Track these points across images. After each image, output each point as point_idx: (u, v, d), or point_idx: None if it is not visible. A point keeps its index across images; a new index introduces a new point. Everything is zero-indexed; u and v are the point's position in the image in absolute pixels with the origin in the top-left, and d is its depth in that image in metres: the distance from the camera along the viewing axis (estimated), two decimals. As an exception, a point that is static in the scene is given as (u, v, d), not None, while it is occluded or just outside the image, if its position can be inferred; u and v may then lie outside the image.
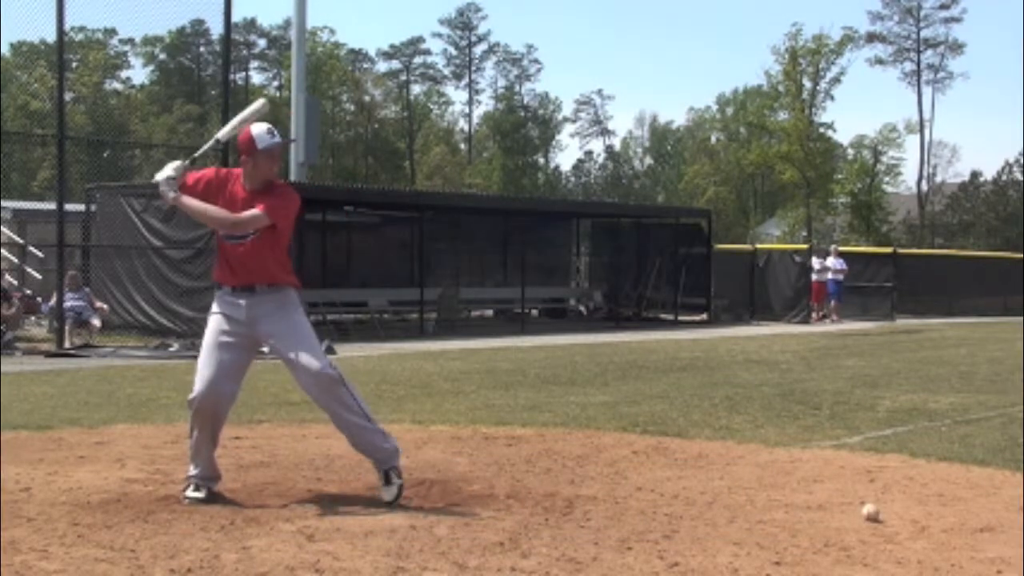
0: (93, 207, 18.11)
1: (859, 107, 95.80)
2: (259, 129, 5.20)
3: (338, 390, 5.15)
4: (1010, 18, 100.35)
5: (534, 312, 25.00)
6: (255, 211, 5.11)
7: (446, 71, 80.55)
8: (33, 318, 18.22)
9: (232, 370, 5.20)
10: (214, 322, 5.26)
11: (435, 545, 4.35)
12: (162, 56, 71.88)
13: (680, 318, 24.16)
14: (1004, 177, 61.20)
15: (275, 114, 65.60)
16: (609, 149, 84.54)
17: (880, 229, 56.55)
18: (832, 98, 57.35)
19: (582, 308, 26.62)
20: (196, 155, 5.67)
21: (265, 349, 5.45)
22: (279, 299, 5.23)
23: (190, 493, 5.12)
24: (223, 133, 5.47)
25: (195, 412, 5.16)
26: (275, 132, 5.24)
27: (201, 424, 5.16)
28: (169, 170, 5.17)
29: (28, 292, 19.13)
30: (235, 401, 5.29)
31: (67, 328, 15.13)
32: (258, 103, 5.47)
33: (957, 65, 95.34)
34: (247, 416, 7.84)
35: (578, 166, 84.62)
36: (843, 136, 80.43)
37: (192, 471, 5.19)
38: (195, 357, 5.38)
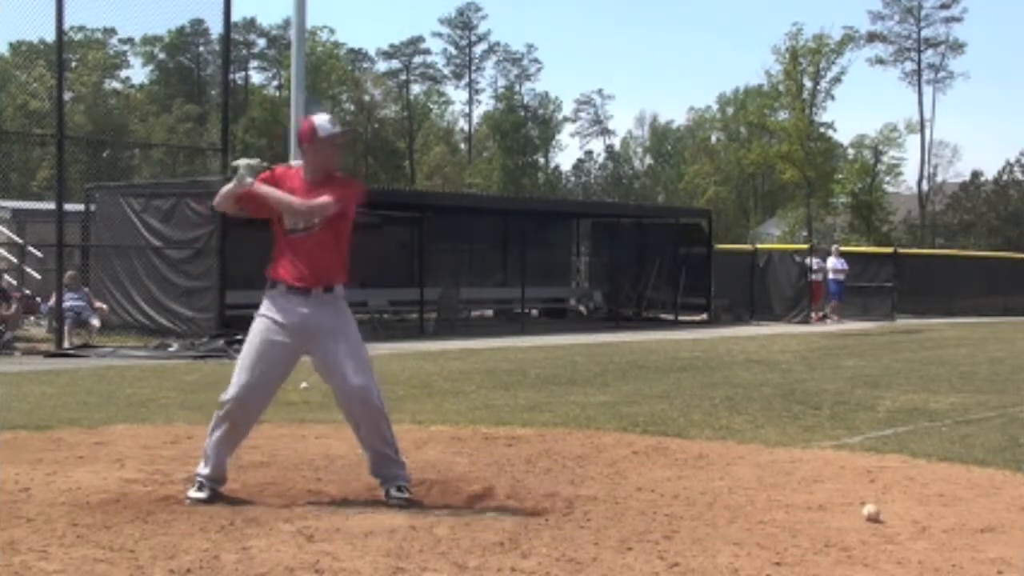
0: (92, 207, 18.10)
1: (859, 107, 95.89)
2: (321, 119, 5.19)
3: (381, 423, 5.22)
4: (1010, 18, 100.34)
5: (534, 312, 24.98)
6: (325, 198, 5.01)
7: (446, 71, 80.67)
8: (32, 318, 18.20)
9: (273, 378, 5.20)
10: (262, 325, 5.16)
11: (435, 545, 4.34)
12: (162, 56, 71.91)
13: (680, 318, 24.13)
14: (1005, 177, 61.19)
15: (275, 114, 65.24)
16: (609, 149, 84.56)
17: (880, 229, 56.58)
18: (832, 98, 57.48)
19: (582, 308, 26.60)
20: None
21: (306, 357, 5.28)
22: (339, 307, 5.18)
23: (193, 493, 5.09)
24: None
25: (225, 414, 5.14)
26: (336, 122, 5.24)
27: (227, 426, 5.15)
28: (253, 160, 5.18)
29: (27, 292, 19.11)
30: (266, 409, 5.32)
31: (66, 328, 15.12)
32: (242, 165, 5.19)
33: (957, 65, 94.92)
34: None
35: (578, 166, 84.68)
36: (843, 136, 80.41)
37: (202, 470, 5.15)
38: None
